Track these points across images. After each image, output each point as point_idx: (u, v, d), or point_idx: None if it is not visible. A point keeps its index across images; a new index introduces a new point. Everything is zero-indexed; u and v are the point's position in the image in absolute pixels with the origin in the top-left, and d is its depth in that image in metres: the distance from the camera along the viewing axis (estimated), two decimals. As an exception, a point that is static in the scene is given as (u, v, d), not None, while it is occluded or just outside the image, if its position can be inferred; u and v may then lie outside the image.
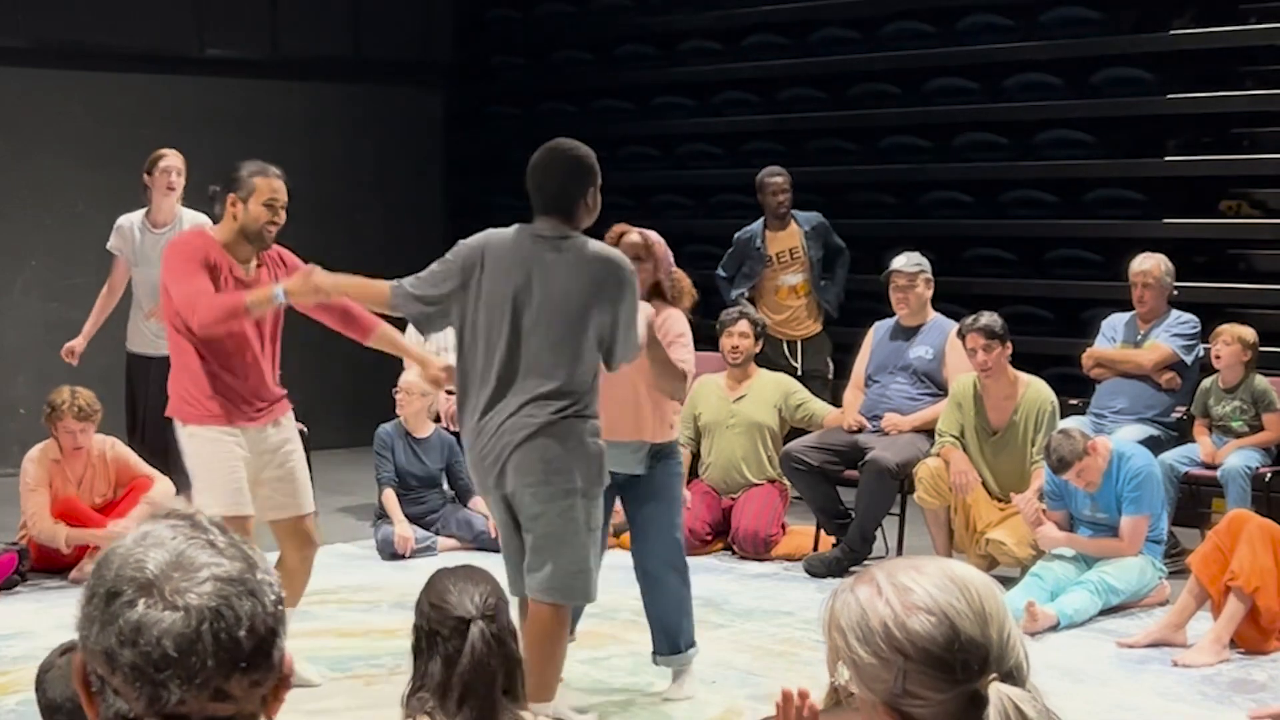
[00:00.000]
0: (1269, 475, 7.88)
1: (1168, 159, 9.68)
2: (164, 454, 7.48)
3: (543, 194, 5.11)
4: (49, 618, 7.00)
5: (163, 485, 7.85)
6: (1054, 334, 9.64)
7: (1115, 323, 8.56)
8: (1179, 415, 8.34)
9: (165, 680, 1.51)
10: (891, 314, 8.44)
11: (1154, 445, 7.82)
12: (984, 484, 7.74)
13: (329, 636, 6.66)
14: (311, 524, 5.98)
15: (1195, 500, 8.49)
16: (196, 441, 5.72)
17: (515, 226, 5.17)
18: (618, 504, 5.87)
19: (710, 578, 7.91)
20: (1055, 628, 6.84)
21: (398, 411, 8.64)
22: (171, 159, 8.24)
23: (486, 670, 3.34)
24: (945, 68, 10.44)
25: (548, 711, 4.93)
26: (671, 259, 5.98)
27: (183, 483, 6.29)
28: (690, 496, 8.54)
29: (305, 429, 9.30)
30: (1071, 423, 7.71)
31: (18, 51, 10.82)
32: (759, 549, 8.28)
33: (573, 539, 5.01)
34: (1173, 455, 7.97)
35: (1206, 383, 8.18)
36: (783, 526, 8.47)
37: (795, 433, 8.57)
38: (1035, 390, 7.73)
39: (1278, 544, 6.50)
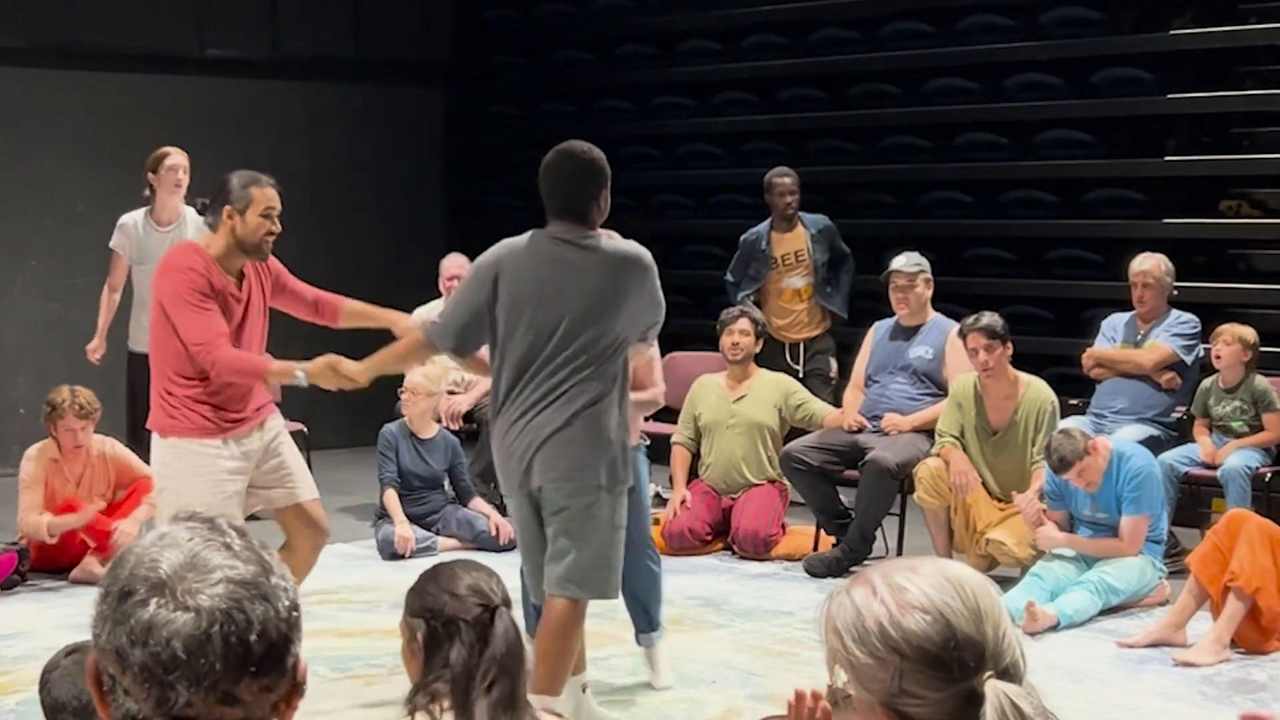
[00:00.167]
0: (1269, 475, 7.88)
1: (1167, 159, 9.68)
2: None
3: (556, 198, 5.19)
4: (49, 618, 7.00)
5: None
6: (1054, 334, 9.64)
7: (1115, 323, 8.56)
8: (1179, 415, 8.34)
9: (174, 682, 1.50)
10: (891, 314, 8.44)
11: (1154, 445, 7.82)
12: (984, 484, 7.74)
13: (329, 636, 6.66)
14: (319, 509, 5.92)
15: (1195, 500, 8.50)
16: (179, 454, 5.59)
17: (530, 233, 5.25)
18: None
19: (710, 578, 7.92)
20: (1055, 628, 6.85)
21: (403, 411, 8.64)
22: (177, 157, 8.27)
23: (519, 654, 3.33)
24: (945, 68, 10.44)
25: (555, 708, 4.94)
26: None
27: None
28: (690, 496, 8.56)
29: (305, 429, 9.38)
30: (1071, 423, 7.71)
31: (18, 51, 10.82)
32: (759, 549, 8.28)
33: (594, 534, 5.05)
34: (1173, 455, 7.97)
35: (1206, 383, 8.18)
36: (783, 526, 8.47)
37: (795, 433, 8.56)
38: (1035, 390, 7.74)
39: (1277, 544, 6.50)
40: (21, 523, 7.74)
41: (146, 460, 7.95)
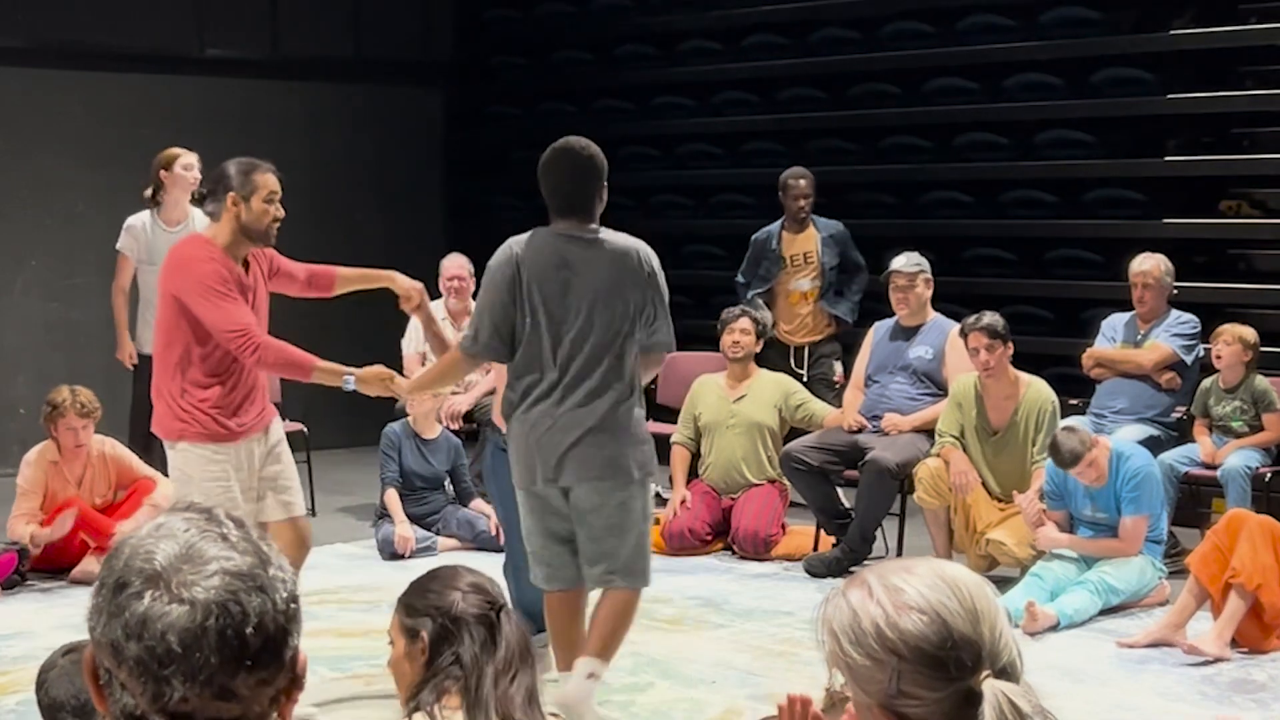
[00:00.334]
0: (1269, 475, 7.88)
1: (1168, 159, 9.68)
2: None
3: (558, 197, 5.30)
4: (49, 618, 7.00)
5: (165, 487, 7.85)
6: (1054, 334, 9.64)
7: (1115, 323, 8.56)
8: (1179, 415, 8.34)
9: (169, 676, 1.48)
10: (892, 314, 8.44)
11: (1154, 445, 7.82)
12: (984, 484, 7.74)
13: (329, 636, 6.66)
14: (306, 526, 5.90)
15: (1195, 500, 8.50)
16: (190, 459, 5.56)
17: (533, 231, 5.34)
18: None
19: (710, 578, 7.92)
20: (1055, 628, 6.84)
21: (408, 411, 8.65)
22: (191, 158, 8.29)
23: (531, 650, 3.42)
24: (945, 68, 10.44)
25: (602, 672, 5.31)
26: None
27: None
28: (690, 496, 8.56)
29: (305, 429, 9.38)
30: (1072, 422, 7.70)
31: (18, 51, 10.82)
32: (759, 549, 8.28)
33: (633, 528, 5.29)
34: (1173, 455, 7.97)
35: (1206, 383, 8.18)
36: (783, 526, 8.47)
37: (795, 433, 8.56)
38: (1036, 390, 7.73)
39: (1278, 541, 6.50)
40: (10, 531, 7.73)
41: (148, 461, 8.01)
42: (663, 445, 8.50)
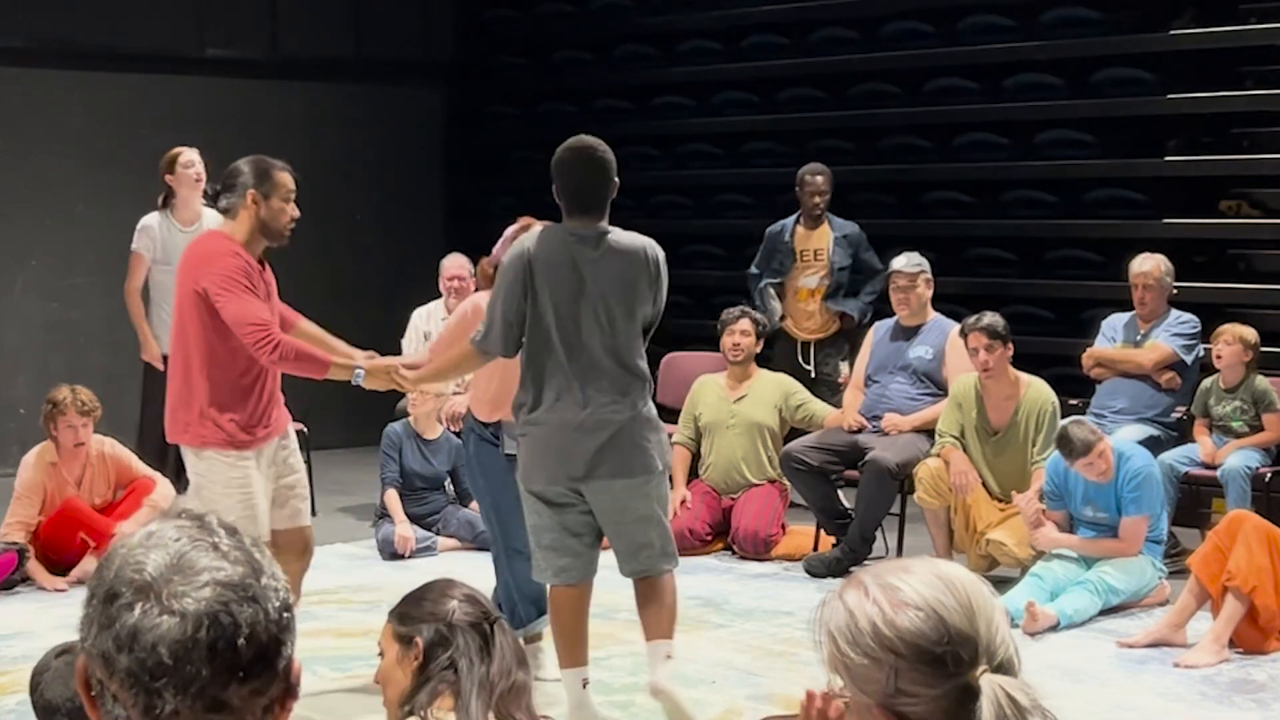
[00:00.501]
0: (1269, 475, 7.88)
1: (1168, 159, 9.68)
2: (177, 461, 7.35)
3: (568, 195, 5.32)
4: (49, 618, 7.00)
5: (164, 488, 7.85)
6: (1054, 334, 9.63)
7: (1115, 323, 8.56)
8: (1179, 415, 8.33)
9: (160, 688, 1.46)
10: (892, 314, 8.44)
11: (1154, 445, 7.82)
12: (984, 484, 7.74)
13: (329, 636, 6.66)
14: (311, 534, 5.91)
15: (1195, 500, 8.49)
16: (212, 466, 5.51)
17: (544, 228, 5.38)
18: None
19: (710, 578, 7.92)
20: (1055, 628, 6.84)
21: (410, 411, 8.65)
22: (191, 154, 8.28)
23: (525, 658, 3.49)
24: (945, 68, 10.44)
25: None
26: None
27: (185, 488, 6.23)
28: (690, 496, 8.56)
29: (305, 429, 9.36)
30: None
31: (18, 51, 10.81)
32: (759, 549, 8.28)
33: (658, 514, 5.43)
34: (1173, 455, 7.97)
35: (1207, 383, 8.18)
36: (783, 526, 8.47)
37: (795, 433, 8.56)
38: (1036, 390, 7.73)
39: (1274, 543, 6.50)
40: (3, 535, 7.71)
41: (149, 462, 8.00)
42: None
